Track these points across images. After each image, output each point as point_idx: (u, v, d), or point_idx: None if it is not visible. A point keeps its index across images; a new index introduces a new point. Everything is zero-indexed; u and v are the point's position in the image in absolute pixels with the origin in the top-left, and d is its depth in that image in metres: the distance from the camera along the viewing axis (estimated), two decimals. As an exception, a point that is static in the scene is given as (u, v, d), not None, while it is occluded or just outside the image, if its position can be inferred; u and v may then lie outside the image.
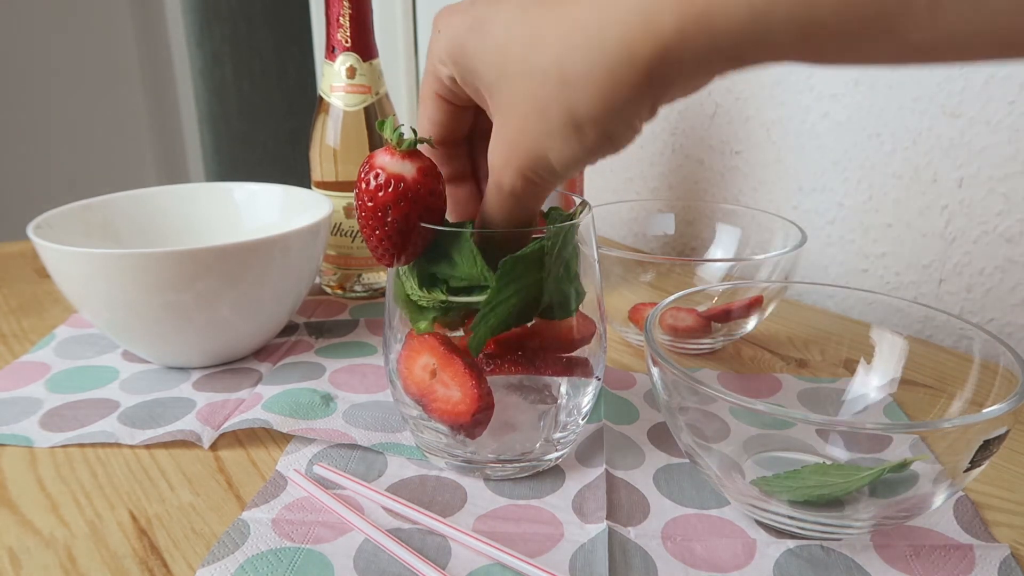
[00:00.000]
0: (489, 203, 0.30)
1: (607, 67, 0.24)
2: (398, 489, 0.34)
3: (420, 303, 0.32)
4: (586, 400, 0.35)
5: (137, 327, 0.43)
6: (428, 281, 0.32)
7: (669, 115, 0.75)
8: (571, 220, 0.33)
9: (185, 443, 0.38)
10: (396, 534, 0.31)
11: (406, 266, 0.32)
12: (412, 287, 0.32)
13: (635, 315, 0.50)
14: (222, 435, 0.39)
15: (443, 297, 0.31)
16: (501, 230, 0.30)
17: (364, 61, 0.54)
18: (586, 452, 0.37)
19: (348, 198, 0.56)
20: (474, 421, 0.32)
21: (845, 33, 0.21)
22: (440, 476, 0.35)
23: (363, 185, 0.30)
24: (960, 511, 0.33)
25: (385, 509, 0.33)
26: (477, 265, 0.30)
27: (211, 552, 0.30)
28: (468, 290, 0.31)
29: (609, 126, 0.25)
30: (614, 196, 0.84)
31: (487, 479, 0.35)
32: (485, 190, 0.30)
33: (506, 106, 0.27)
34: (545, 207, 0.35)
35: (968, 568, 0.30)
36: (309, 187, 0.57)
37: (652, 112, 0.26)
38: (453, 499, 0.34)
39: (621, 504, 0.33)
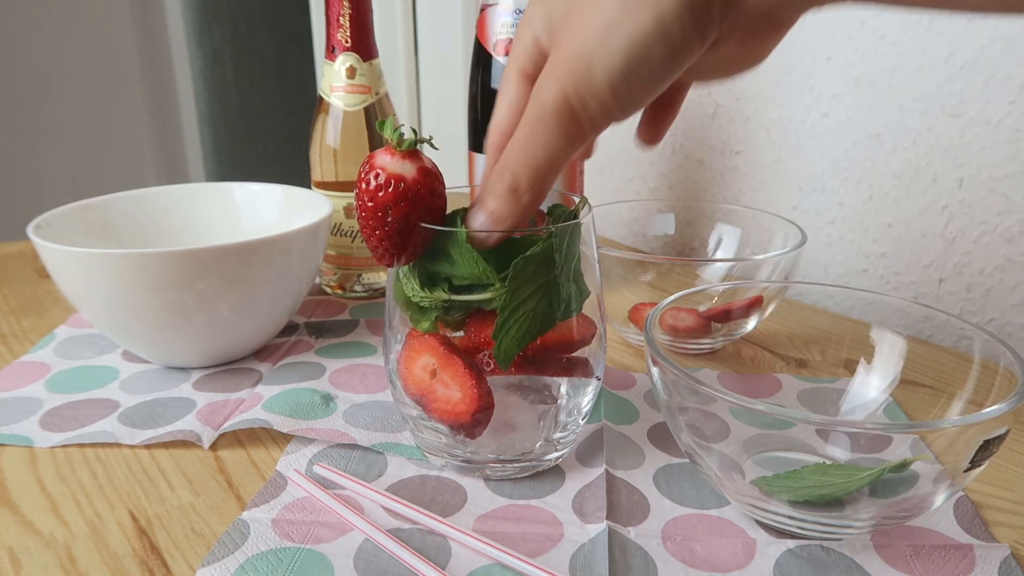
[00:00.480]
0: (518, 133, 0.28)
1: None
2: (398, 489, 0.34)
3: (422, 304, 0.32)
4: (586, 400, 0.35)
5: (137, 327, 0.43)
6: (429, 281, 0.31)
7: (669, 115, 0.74)
8: (575, 217, 0.33)
9: (185, 443, 0.38)
10: (396, 534, 0.31)
11: (406, 268, 0.32)
12: (413, 288, 0.32)
13: (635, 315, 0.50)
14: (222, 435, 0.39)
15: (445, 296, 0.31)
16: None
17: (364, 61, 0.54)
18: (586, 452, 0.37)
19: (348, 198, 0.56)
20: (474, 421, 0.32)
21: None
22: (440, 476, 0.35)
23: (363, 185, 0.30)
24: (960, 511, 0.33)
25: (385, 509, 0.33)
26: (478, 264, 0.30)
27: (211, 552, 0.30)
28: (470, 288, 0.31)
29: (662, 7, 0.24)
30: (614, 196, 0.84)
31: (487, 479, 0.35)
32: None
33: (566, 28, 0.26)
34: (545, 206, 0.35)
35: (968, 568, 0.30)
36: (309, 187, 0.57)
37: (709, 8, 0.24)
38: (453, 499, 0.34)
39: (621, 504, 0.33)
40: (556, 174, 0.28)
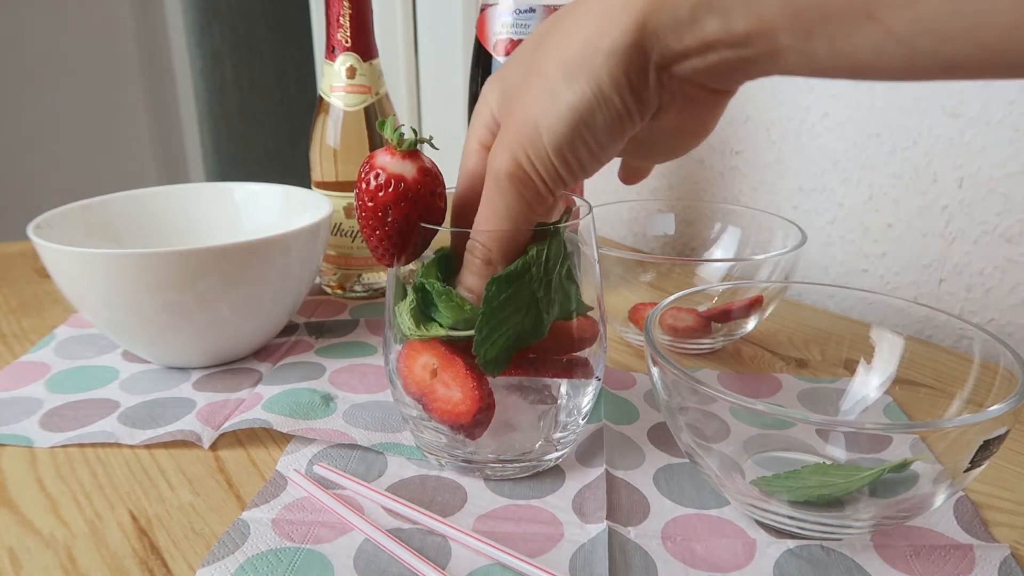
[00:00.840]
0: (481, 204, 0.29)
1: (600, 12, 0.25)
2: (398, 489, 0.34)
3: (421, 341, 0.32)
4: (586, 400, 0.35)
5: (137, 327, 0.43)
6: (424, 318, 0.32)
7: (669, 115, 0.75)
8: (552, 226, 0.32)
9: (185, 443, 0.38)
10: (396, 534, 0.31)
11: (402, 305, 0.32)
12: (410, 326, 0.32)
13: (635, 315, 0.50)
14: (222, 435, 0.39)
15: (443, 333, 0.31)
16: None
17: (364, 61, 0.54)
18: (586, 452, 0.37)
19: (348, 198, 0.56)
20: (475, 422, 0.32)
21: (829, 14, 0.21)
22: (440, 476, 0.35)
23: (363, 185, 0.30)
24: (960, 511, 0.33)
25: (385, 509, 0.33)
26: (463, 307, 0.30)
27: (211, 552, 0.30)
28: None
29: (600, 76, 0.25)
30: (614, 196, 0.84)
31: (487, 479, 0.35)
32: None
33: (515, 100, 0.28)
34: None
35: (968, 568, 0.30)
36: (309, 187, 0.57)
37: (645, 77, 0.26)
38: (453, 499, 0.34)
39: (621, 504, 0.33)
40: (525, 237, 0.30)
